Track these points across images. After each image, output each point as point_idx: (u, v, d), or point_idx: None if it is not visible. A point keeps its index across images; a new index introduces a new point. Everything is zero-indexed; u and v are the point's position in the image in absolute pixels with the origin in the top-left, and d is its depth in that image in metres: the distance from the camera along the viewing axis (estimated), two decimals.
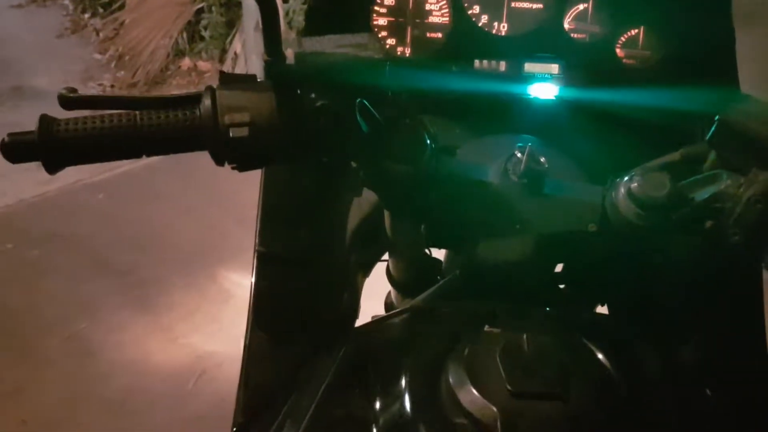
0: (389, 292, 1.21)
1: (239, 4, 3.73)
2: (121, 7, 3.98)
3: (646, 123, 0.83)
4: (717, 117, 0.64)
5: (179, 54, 4.10)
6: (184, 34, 4.03)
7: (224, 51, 3.99)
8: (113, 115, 0.62)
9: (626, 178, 0.69)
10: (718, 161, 0.68)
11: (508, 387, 0.57)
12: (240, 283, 2.53)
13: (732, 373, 0.85)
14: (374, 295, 1.19)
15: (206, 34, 4.03)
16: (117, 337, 2.33)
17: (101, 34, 4.49)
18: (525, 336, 0.61)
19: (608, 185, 0.72)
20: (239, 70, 3.83)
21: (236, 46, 3.84)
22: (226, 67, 3.91)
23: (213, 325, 2.38)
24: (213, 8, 3.98)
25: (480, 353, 0.61)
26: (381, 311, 1.19)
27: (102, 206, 3.03)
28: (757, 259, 0.64)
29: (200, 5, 3.90)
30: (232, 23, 4.13)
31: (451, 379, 0.60)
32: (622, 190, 0.69)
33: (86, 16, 4.87)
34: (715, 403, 0.71)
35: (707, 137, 0.66)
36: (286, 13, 3.87)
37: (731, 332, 0.88)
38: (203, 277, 2.59)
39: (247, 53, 3.74)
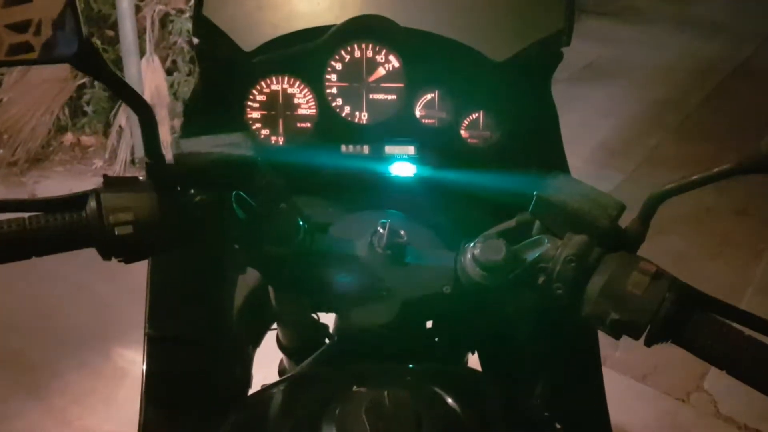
0: (281, 359, 1.25)
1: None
2: None
3: (488, 195, 0.95)
4: (535, 193, 0.75)
5: (62, 130, 4.02)
6: (66, 110, 3.96)
7: (108, 125, 3.94)
8: (2, 221, 0.66)
9: (471, 245, 0.79)
10: (541, 227, 0.78)
11: None
12: (134, 360, 2.48)
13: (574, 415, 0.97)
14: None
15: (89, 108, 3.97)
16: (9, 426, 2.25)
17: None
18: (386, 392, 0.70)
19: (459, 251, 0.82)
20: (125, 143, 3.80)
21: (121, 119, 3.81)
22: (112, 141, 3.87)
23: (109, 405, 2.33)
24: (95, 83, 3.95)
25: (349, 412, 0.69)
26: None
27: None
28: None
29: (81, 81, 3.85)
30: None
31: None
32: (469, 255, 0.78)
33: None
34: None
35: (530, 209, 0.78)
36: (171, 85, 3.91)
37: (571, 376, 1.00)
38: (96, 356, 2.53)
39: (132, 126, 3.72)
